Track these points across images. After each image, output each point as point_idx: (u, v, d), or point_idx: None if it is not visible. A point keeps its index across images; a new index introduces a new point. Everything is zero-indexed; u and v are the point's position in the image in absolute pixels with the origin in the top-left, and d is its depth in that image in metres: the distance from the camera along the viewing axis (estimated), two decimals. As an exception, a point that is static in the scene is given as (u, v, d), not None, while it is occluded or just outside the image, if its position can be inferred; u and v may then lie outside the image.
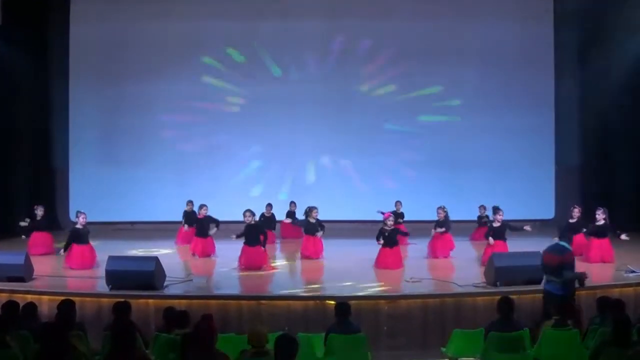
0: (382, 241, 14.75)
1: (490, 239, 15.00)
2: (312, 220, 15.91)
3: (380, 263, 14.71)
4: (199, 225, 16.61)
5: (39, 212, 16.51)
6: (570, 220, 15.71)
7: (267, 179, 20.30)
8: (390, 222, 14.83)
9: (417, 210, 17.77)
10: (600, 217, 14.93)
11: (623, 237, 14.96)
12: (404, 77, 20.55)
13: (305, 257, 15.81)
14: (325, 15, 20.37)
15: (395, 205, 17.57)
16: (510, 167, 19.84)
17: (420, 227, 17.16)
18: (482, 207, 18.06)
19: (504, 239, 15.00)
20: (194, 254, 16.24)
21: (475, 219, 18.36)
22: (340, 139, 20.43)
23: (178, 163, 20.27)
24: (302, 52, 20.61)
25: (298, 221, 17.29)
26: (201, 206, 16.63)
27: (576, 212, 15.71)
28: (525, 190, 19.08)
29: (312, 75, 20.50)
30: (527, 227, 15.25)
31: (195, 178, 19.98)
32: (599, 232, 14.97)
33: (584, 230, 15.24)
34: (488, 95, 20.34)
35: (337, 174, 20.51)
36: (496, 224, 15.05)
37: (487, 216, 17.61)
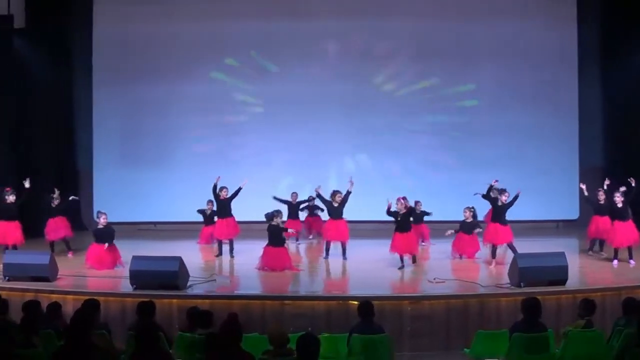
0: (390, 204, 14.82)
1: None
2: (335, 204, 15.97)
3: (393, 247, 14.73)
4: (221, 207, 16.54)
5: (55, 200, 16.57)
6: (599, 202, 15.72)
7: (289, 179, 20.25)
8: (400, 204, 14.83)
9: (438, 210, 17.65)
10: (619, 199, 14.88)
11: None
12: (424, 77, 20.43)
13: (328, 239, 15.96)
14: (343, 15, 20.27)
15: (415, 205, 17.25)
16: (534, 168, 19.69)
17: (441, 228, 17.07)
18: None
19: (504, 222, 15.00)
20: (217, 240, 16.40)
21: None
22: (360, 139, 20.35)
23: (200, 163, 20.25)
24: (323, 51, 20.55)
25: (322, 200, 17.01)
26: (221, 188, 16.43)
27: (601, 195, 15.68)
28: (550, 191, 18.95)
29: (334, 75, 20.44)
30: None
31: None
32: (622, 215, 14.90)
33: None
34: (510, 96, 20.18)
35: (357, 174, 20.38)
36: (500, 204, 15.03)
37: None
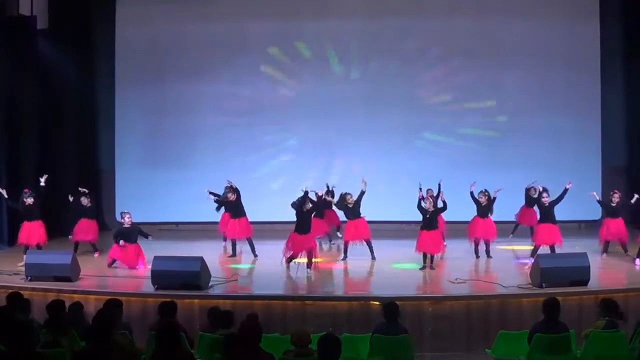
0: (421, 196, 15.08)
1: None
2: (350, 205, 15.95)
3: (419, 246, 14.71)
4: (233, 208, 16.63)
5: (85, 199, 16.66)
6: (612, 204, 15.68)
7: (313, 179, 20.10)
8: (428, 203, 14.85)
9: (459, 211, 17.54)
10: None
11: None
12: (447, 76, 20.38)
13: (347, 240, 15.97)
14: (363, 14, 20.30)
15: (427, 194, 16.82)
16: (556, 168, 19.56)
17: (461, 228, 17.01)
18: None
19: (554, 221, 14.95)
20: (228, 239, 16.56)
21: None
22: (383, 138, 20.30)
23: (222, 164, 20.28)
24: (348, 50, 20.55)
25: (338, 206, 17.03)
26: (227, 194, 16.64)
27: (616, 197, 15.64)
28: (572, 191, 18.82)
29: (359, 74, 20.43)
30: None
31: (239, 179, 19.94)
32: None
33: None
34: (531, 95, 20.09)
35: (381, 174, 20.32)
36: (547, 205, 14.99)
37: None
